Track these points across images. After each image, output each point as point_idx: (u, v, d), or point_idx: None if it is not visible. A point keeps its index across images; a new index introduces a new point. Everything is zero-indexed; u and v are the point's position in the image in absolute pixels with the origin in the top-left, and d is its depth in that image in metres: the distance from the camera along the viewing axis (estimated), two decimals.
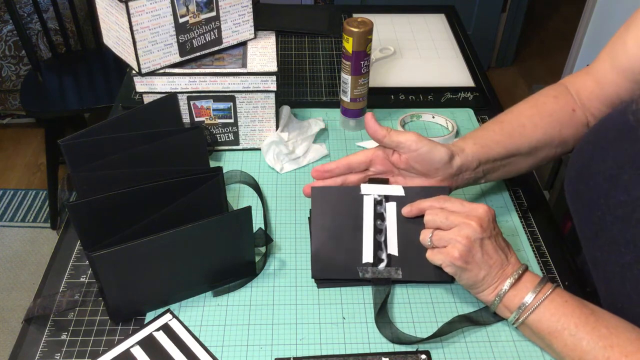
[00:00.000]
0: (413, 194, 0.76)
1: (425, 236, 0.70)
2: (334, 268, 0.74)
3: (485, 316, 0.71)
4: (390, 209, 0.76)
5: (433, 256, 0.69)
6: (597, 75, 0.78)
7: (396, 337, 0.69)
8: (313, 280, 0.76)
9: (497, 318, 0.71)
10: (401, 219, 0.75)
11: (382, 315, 0.71)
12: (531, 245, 0.81)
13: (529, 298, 0.64)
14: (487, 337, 0.69)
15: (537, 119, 0.79)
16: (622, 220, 0.62)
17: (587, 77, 0.80)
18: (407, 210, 0.74)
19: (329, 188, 0.78)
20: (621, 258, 0.63)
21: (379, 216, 0.75)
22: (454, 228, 0.67)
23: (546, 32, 3.23)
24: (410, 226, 0.75)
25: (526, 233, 0.83)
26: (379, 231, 0.75)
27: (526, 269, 0.67)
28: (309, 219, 0.83)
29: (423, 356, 0.67)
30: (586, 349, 0.59)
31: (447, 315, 0.72)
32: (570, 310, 0.62)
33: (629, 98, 0.73)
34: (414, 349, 0.68)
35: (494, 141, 0.78)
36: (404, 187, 0.77)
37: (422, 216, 0.75)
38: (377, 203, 0.76)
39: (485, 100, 1.11)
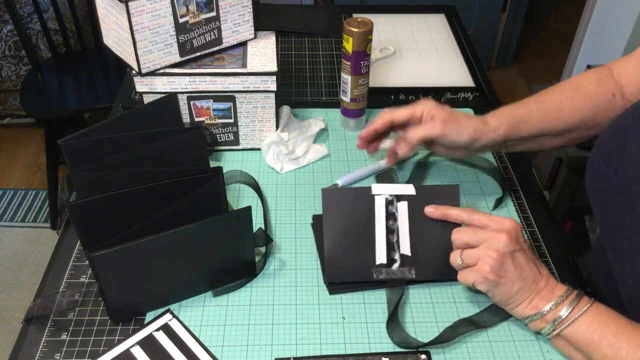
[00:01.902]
0: (423, 192, 0.76)
1: (455, 257, 0.69)
2: (347, 271, 0.74)
3: (486, 318, 0.71)
4: (402, 208, 0.76)
5: (464, 276, 0.68)
6: (638, 57, 0.78)
7: (403, 341, 0.68)
8: (325, 285, 0.75)
9: (498, 319, 0.71)
10: (413, 219, 0.75)
11: (394, 318, 0.71)
12: (531, 245, 0.81)
13: (564, 312, 0.64)
14: (487, 337, 0.69)
15: (576, 102, 0.80)
16: None
17: (629, 60, 0.80)
18: (430, 210, 0.74)
19: (340, 190, 0.79)
20: None
21: (391, 216, 0.75)
22: (483, 244, 0.67)
23: (546, 32, 3.23)
24: (422, 225, 0.75)
25: (526, 233, 0.83)
26: (391, 231, 0.75)
27: (573, 290, 0.66)
28: (312, 225, 0.83)
29: (423, 356, 0.67)
30: (626, 358, 0.59)
31: (447, 316, 0.72)
32: (607, 320, 0.62)
33: None
34: (414, 349, 0.68)
35: (528, 122, 0.80)
36: (414, 186, 0.77)
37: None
38: (389, 203, 0.76)
39: (485, 100, 1.11)
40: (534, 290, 0.66)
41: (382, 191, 0.76)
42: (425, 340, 0.68)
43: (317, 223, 0.82)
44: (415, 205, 0.75)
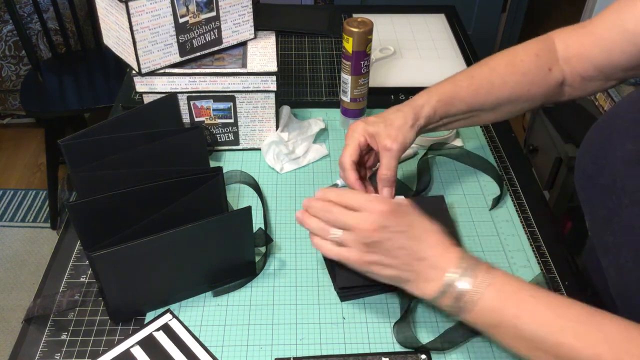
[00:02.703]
0: (414, 203, 0.76)
1: (333, 231, 0.66)
2: (357, 275, 0.72)
3: None
4: None
5: (331, 251, 0.67)
6: (596, 31, 0.77)
7: (407, 341, 0.68)
8: (337, 295, 0.74)
9: None
10: None
11: (405, 318, 0.70)
12: (531, 245, 0.81)
13: (463, 285, 0.61)
14: (487, 337, 0.69)
15: (508, 78, 0.79)
16: (639, 203, 0.62)
17: (583, 32, 0.79)
18: (299, 215, 0.70)
19: None
20: (636, 242, 0.61)
21: None
22: (350, 231, 0.65)
23: (546, 32, 3.23)
24: None
25: (526, 233, 0.83)
26: None
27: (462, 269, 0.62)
28: None
29: (423, 356, 0.67)
30: (533, 339, 0.57)
31: (447, 316, 0.72)
32: (507, 301, 0.59)
33: (624, 61, 0.73)
34: (414, 349, 0.68)
35: (458, 98, 0.79)
36: (405, 198, 0.78)
37: (436, 220, 0.75)
38: None
39: None
40: (415, 274, 0.63)
41: None
42: (425, 341, 0.68)
43: None
44: None
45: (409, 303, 0.71)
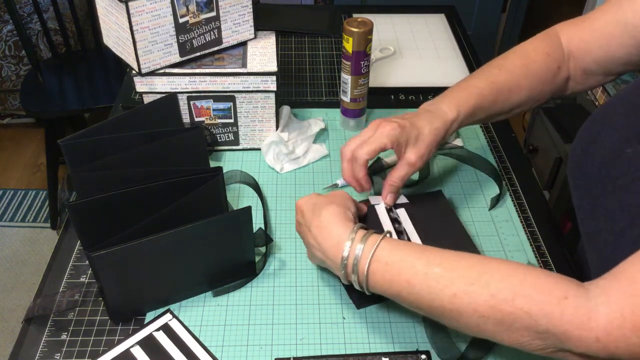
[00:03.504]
0: (415, 200, 0.80)
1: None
2: None
3: None
4: (402, 214, 0.78)
5: None
6: (595, 25, 0.77)
7: (447, 351, 0.68)
8: (351, 300, 0.73)
9: None
10: (417, 221, 0.76)
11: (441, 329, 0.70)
12: (531, 245, 0.81)
13: (358, 251, 0.63)
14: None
15: (523, 81, 0.80)
16: (621, 189, 0.62)
17: (583, 26, 0.79)
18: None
19: None
20: (616, 225, 0.62)
21: (395, 221, 0.76)
22: None
23: None
24: (426, 226, 0.75)
25: (526, 233, 0.83)
26: (400, 233, 0.75)
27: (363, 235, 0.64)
28: None
29: (423, 356, 0.67)
30: (429, 298, 0.59)
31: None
32: (396, 270, 0.61)
33: (623, 55, 0.74)
34: (414, 349, 0.68)
35: (481, 108, 0.79)
36: (405, 195, 0.80)
37: (438, 212, 0.78)
38: (389, 210, 0.78)
39: None
40: (328, 260, 0.67)
41: (379, 201, 0.79)
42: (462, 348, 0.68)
43: None
44: (413, 211, 0.78)
45: None
